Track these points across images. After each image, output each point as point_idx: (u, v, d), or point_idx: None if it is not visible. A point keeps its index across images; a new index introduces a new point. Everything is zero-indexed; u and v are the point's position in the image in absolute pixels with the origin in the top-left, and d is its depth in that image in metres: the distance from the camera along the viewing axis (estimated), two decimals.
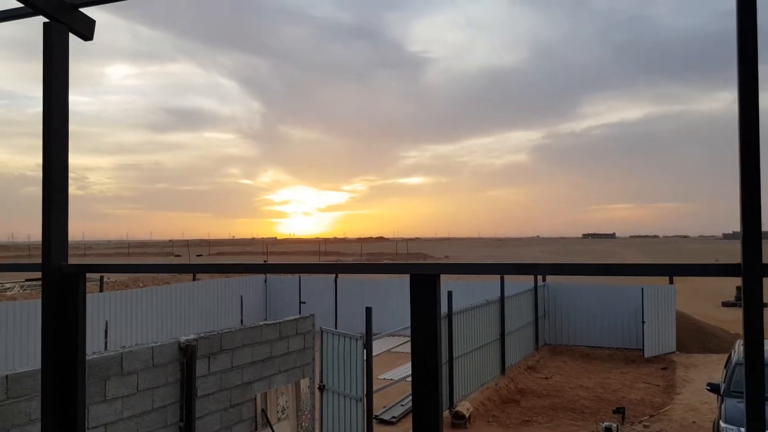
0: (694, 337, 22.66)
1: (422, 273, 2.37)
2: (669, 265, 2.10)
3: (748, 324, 1.96)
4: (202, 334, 7.58)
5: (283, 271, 2.64)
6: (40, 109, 3.03)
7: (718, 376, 14.27)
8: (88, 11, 3.15)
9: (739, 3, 2.01)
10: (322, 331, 11.69)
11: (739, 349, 12.15)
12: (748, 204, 1.98)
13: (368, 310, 11.11)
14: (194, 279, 25.27)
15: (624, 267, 2.13)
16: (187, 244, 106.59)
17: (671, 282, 21.28)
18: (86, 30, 3.13)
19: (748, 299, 1.94)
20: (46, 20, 2.98)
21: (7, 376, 5.42)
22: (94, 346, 15.64)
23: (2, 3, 3.10)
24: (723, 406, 10.63)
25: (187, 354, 7.11)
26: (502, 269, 2.30)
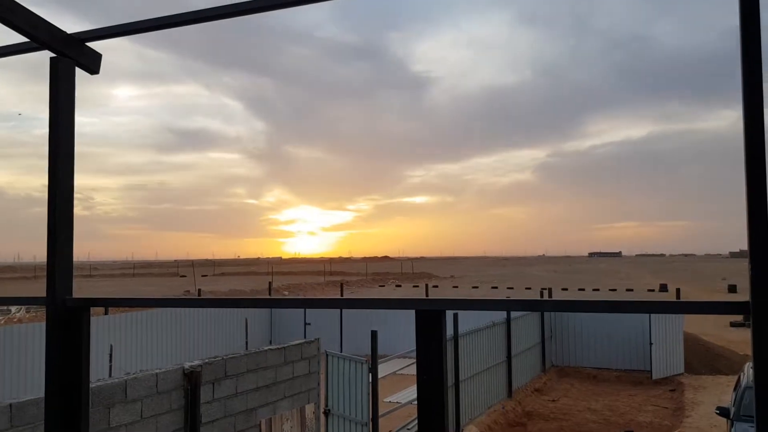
0: (703, 358, 22.46)
1: (428, 309, 2.35)
2: (676, 302, 2.08)
3: (759, 362, 1.93)
4: (207, 360, 7.55)
5: (288, 306, 2.64)
6: (45, 130, 3.05)
7: (727, 399, 14.11)
8: (95, 45, 3.18)
9: (743, 20, 2.01)
10: (327, 355, 11.63)
11: (748, 372, 12.02)
12: (756, 240, 1.96)
13: (374, 334, 11.06)
14: None
15: (631, 304, 2.11)
16: (192, 264, 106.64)
17: None
18: (93, 64, 3.15)
19: (758, 339, 1.92)
20: (53, 55, 3.00)
21: (11, 405, 5.41)
22: (98, 371, 15.59)
23: (9, 38, 3.13)
24: (733, 430, 10.50)
25: (191, 380, 7.08)
26: (508, 305, 2.28)
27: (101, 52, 3.22)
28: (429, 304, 2.35)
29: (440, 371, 2.34)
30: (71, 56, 3.02)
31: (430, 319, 2.34)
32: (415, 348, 2.38)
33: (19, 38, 3.03)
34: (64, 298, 2.97)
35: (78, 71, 3.15)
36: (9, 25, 2.78)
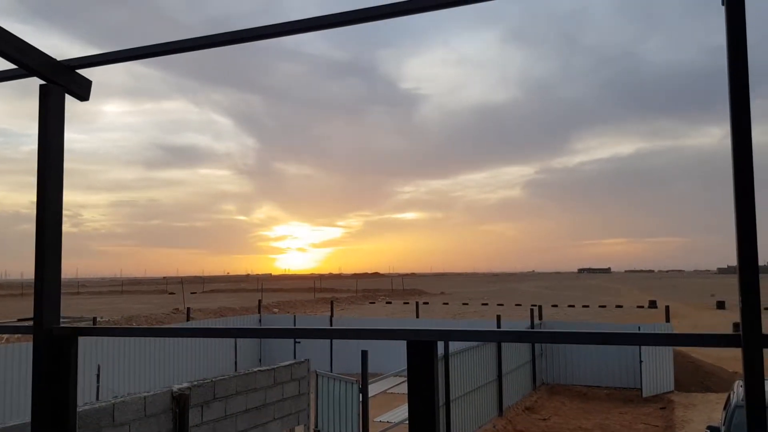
0: (693, 375, 22.47)
1: (419, 339, 2.34)
2: (667, 334, 2.08)
3: (750, 395, 1.93)
4: (195, 382, 7.48)
5: (277, 336, 2.62)
6: (33, 146, 3.02)
7: (717, 417, 14.11)
8: (85, 71, 3.17)
9: (729, 38, 2.04)
10: (317, 375, 11.56)
11: (738, 390, 12.03)
12: (746, 271, 1.96)
13: (364, 354, 11.00)
14: (188, 320, 25.05)
15: (623, 336, 2.11)
16: (182, 281, 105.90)
17: (668, 320, 21.19)
18: (82, 90, 3.14)
19: (749, 371, 1.92)
20: (43, 82, 2.99)
21: None
22: (85, 392, 15.39)
23: None
24: None
25: (179, 403, 7.01)
26: (500, 336, 2.28)
27: (91, 73, 3.22)
28: (420, 335, 2.34)
29: (432, 401, 2.33)
30: (61, 83, 3.01)
31: (422, 350, 2.33)
32: (404, 368, 2.37)
33: (8, 64, 3.03)
34: (51, 327, 2.94)
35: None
36: None
